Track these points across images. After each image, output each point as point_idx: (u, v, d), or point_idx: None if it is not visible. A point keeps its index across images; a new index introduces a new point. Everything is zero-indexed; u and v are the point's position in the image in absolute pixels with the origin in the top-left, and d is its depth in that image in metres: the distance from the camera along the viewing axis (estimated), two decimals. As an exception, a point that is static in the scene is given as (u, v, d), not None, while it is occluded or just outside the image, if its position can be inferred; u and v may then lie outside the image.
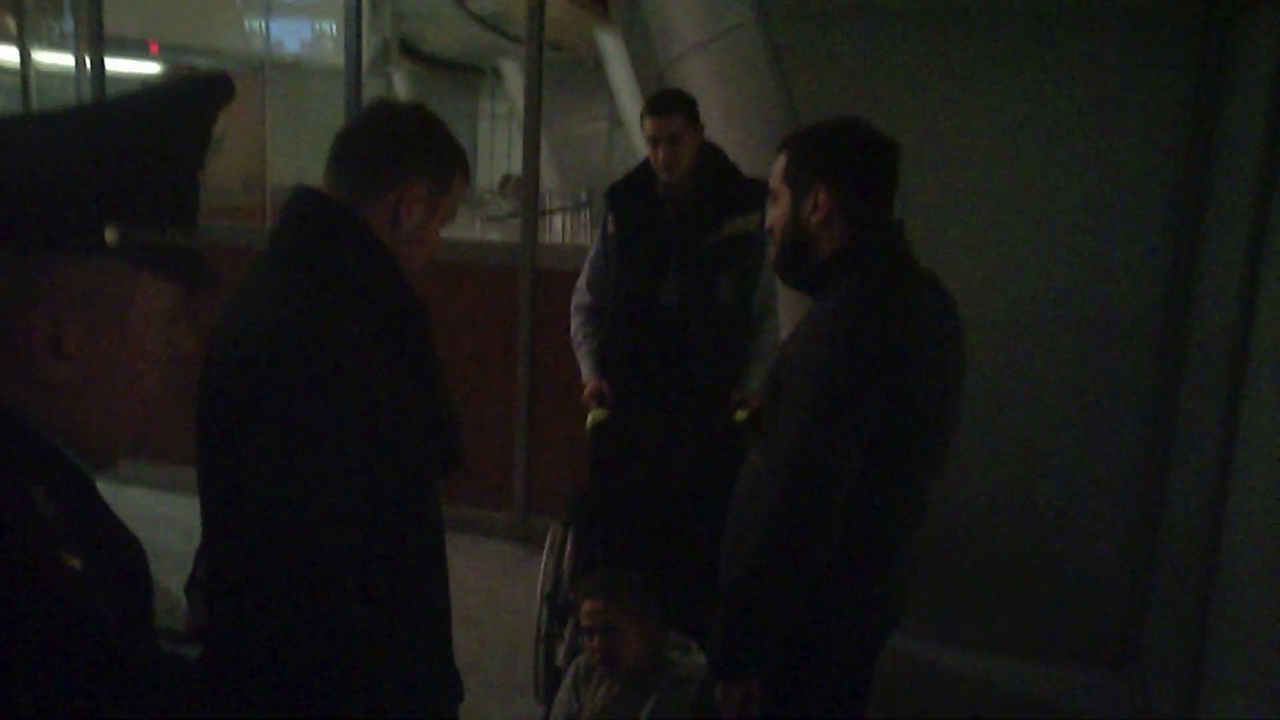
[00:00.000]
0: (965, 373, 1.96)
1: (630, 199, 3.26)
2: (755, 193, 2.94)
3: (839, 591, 1.85)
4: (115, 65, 5.64)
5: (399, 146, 1.58)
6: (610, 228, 3.30)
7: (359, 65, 4.90)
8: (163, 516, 4.18)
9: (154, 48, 9.05)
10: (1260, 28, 2.86)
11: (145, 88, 1.05)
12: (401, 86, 21.06)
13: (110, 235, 0.94)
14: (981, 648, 3.64)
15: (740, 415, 2.97)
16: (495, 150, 20.33)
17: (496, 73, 19.93)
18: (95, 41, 5.13)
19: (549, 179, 19.10)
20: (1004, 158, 3.44)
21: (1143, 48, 3.30)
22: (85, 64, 5.28)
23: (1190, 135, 3.26)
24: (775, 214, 1.94)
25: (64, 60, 6.19)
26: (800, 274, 1.93)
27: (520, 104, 4.67)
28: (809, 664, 1.91)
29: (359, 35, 4.87)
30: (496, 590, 4.22)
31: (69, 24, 5.47)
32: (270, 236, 1.57)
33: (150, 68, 9.01)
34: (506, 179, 14.56)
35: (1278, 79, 2.63)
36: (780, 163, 1.92)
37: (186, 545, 1.79)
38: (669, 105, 3.09)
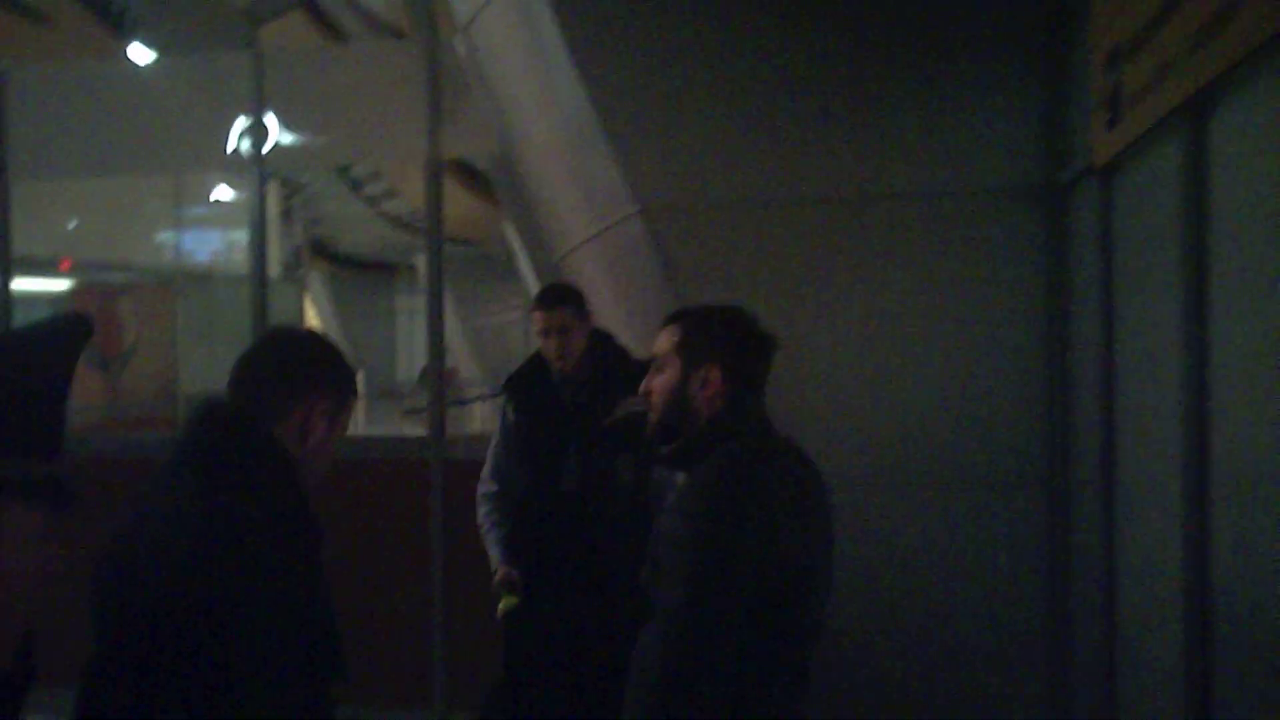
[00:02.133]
0: (833, 539, 2.07)
1: (527, 388, 3.38)
2: (646, 374, 3.08)
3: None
4: (25, 285, 5.71)
5: (303, 368, 1.71)
6: (510, 417, 3.41)
7: (264, 276, 5.04)
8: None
9: (65, 265, 9.17)
10: (1087, 195, 3.17)
11: (7, 332, 1.17)
12: (317, 287, 21.40)
13: None
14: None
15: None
16: (415, 344, 20.59)
17: (412, 269, 20.37)
18: (2, 262, 5.21)
19: (468, 368, 19.34)
20: (875, 332, 3.65)
21: (1001, 218, 3.58)
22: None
23: (1045, 290, 3.52)
24: (660, 381, 2.05)
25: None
26: (674, 445, 2.05)
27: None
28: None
29: (263, 246, 5.03)
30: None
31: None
32: (179, 446, 1.63)
33: (61, 284, 9.11)
34: (425, 371, 14.64)
35: (1104, 232, 2.93)
36: (672, 335, 2.05)
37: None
38: (557, 299, 3.26)
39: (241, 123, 5.03)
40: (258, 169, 5.00)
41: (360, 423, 17.34)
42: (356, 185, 14.15)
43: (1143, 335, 2.72)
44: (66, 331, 1.19)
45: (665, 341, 2.06)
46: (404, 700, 4.65)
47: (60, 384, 1.15)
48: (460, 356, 18.62)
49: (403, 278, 21.30)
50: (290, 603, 1.51)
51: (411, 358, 21.01)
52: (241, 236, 10.87)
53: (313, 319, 21.15)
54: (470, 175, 11.81)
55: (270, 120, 5.00)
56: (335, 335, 21.70)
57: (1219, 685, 2.18)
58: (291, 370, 1.70)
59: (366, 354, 22.04)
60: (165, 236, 10.05)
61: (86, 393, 4.91)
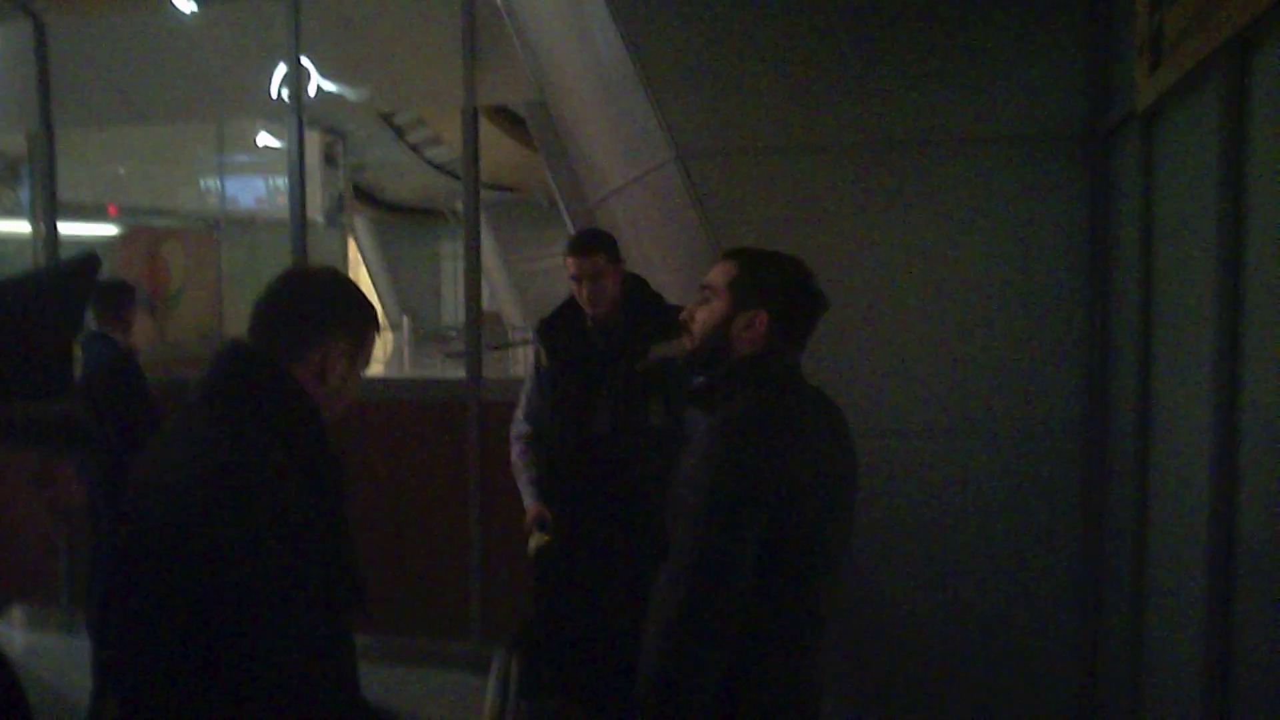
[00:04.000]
0: (855, 485, 2.09)
1: (560, 333, 3.41)
2: (679, 320, 3.10)
3: (748, 698, 1.92)
4: (73, 229, 5.84)
5: (320, 307, 1.74)
6: (542, 361, 3.45)
7: (304, 218, 5.11)
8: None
9: (112, 210, 9.33)
10: (1129, 141, 3.12)
11: (17, 275, 1.16)
12: (363, 233, 21.54)
13: None
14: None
15: None
16: (459, 289, 20.70)
17: (455, 214, 20.42)
18: (49, 208, 5.33)
19: (513, 314, 19.43)
20: (920, 277, 3.63)
21: (1041, 164, 3.53)
22: (41, 230, 5.47)
23: (1087, 239, 3.47)
24: (704, 312, 2.05)
25: (22, 227, 6.38)
26: (699, 382, 2.07)
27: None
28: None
29: (302, 191, 5.08)
30: (454, 722, 4.22)
31: (26, 194, 5.68)
32: (201, 386, 1.68)
33: (109, 229, 9.27)
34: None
35: (1145, 179, 2.89)
36: (728, 270, 2.05)
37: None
38: (589, 245, 3.27)
39: (282, 69, 5.07)
40: (296, 114, 5.04)
41: (405, 366, 17.55)
42: (399, 133, 14.16)
43: (1180, 283, 2.69)
44: (73, 271, 1.19)
45: (719, 275, 2.06)
46: (442, 632, 4.77)
47: (68, 322, 1.16)
48: (503, 302, 18.72)
49: (447, 224, 21.37)
50: (310, 537, 1.54)
51: (456, 303, 21.13)
52: (282, 182, 11.03)
53: (358, 265, 21.35)
54: (513, 121, 11.80)
55: (309, 66, 5.03)
56: (381, 280, 21.90)
57: (1242, 629, 2.19)
58: (308, 311, 1.73)
59: (412, 299, 22.23)
60: (209, 182, 10.17)
61: (143, 333, 5.03)
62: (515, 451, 3.51)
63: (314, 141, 11.31)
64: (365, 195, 19.29)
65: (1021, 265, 3.55)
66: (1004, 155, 3.54)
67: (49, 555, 1.13)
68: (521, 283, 18.63)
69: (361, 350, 1.77)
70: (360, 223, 20.92)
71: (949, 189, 3.60)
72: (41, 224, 5.48)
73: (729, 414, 1.94)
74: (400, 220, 21.42)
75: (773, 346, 2.01)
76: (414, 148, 14.75)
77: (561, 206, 5.97)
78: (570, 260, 3.28)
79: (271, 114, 5.72)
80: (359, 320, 1.77)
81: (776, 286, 2.02)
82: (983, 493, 3.62)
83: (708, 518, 1.83)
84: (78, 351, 1.19)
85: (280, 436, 1.60)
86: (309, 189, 5.30)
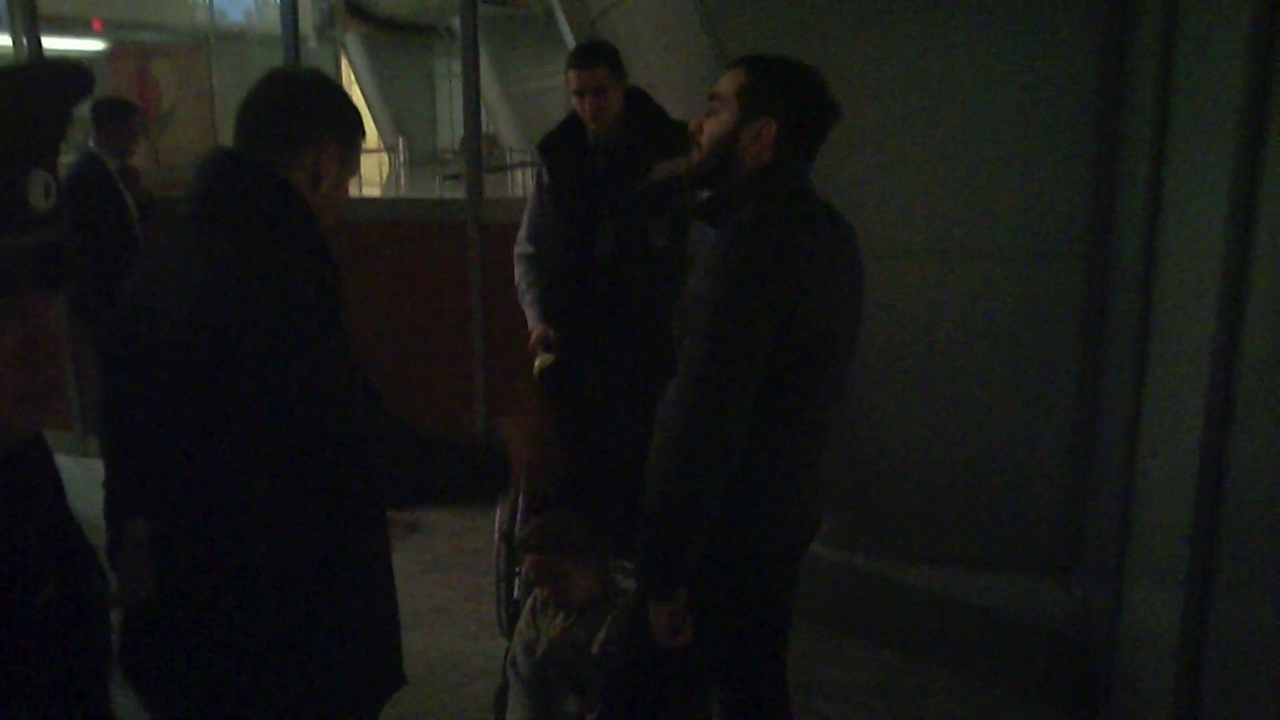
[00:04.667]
0: (862, 300, 2.08)
1: (561, 150, 3.35)
2: (684, 136, 3.03)
3: (749, 506, 1.97)
4: (57, 45, 5.64)
5: (310, 109, 1.65)
6: (545, 179, 3.39)
7: (296, 32, 4.94)
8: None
9: (96, 25, 9.01)
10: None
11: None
12: (354, 49, 20.90)
13: None
14: (934, 562, 3.81)
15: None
16: (455, 110, 20.21)
17: (450, 32, 19.77)
18: (30, 20, 5.14)
19: (510, 135, 19.06)
20: (929, 110, 3.52)
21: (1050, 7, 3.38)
22: (22, 44, 5.29)
23: (1098, 80, 3.36)
24: (711, 124, 1.99)
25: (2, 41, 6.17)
26: (707, 197, 2.04)
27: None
28: (729, 576, 2.04)
29: (294, 4, 4.90)
30: (460, 536, 4.36)
31: (1, 4, 5.46)
32: (191, 199, 1.60)
33: (94, 45, 8.98)
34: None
35: (1170, 21, 2.77)
36: (736, 78, 1.97)
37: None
38: (591, 57, 3.17)
39: None
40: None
41: (402, 189, 17.33)
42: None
43: (1199, 104, 2.61)
44: (57, 81, 0.98)
45: (727, 84, 1.98)
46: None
47: (52, 133, 0.97)
48: (501, 123, 18.34)
49: (442, 40, 20.69)
50: (310, 340, 1.52)
51: (453, 124, 20.68)
52: (274, -6, 10.64)
53: (351, 85, 20.78)
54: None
55: None
56: (375, 100, 21.36)
57: (1234, 474, 2.21)
58: (298, 113, 1.64)
59: (407, 121, 21.73)
60: (197, -3, 9.81)
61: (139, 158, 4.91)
62: (519, 272, 3.50)
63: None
64: (357, 10, 18.64)
65: (1033, 80, 3.44)
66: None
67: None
68: (519, 104, 18.20)
69: (351, 153, 1.70)
70: (352, 39, 20.27)
71: (964, 6, 3.45)
72: (23, 39, 5.29)
73: (736, 226, 1.92)
74: (393, 37, 20.77)
75: (781, 157, 1.96)
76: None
77: (561, 20, 5.76)
78: (572, 74, 3.19)
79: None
80: (350, 125, 1.69)
81: (787, 94, 1.96)
82: (986, 320, 3.61)
83: (714, 330, 1.83)
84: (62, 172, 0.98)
85: (281, 242, 1.56)
86: (300, 2, 5.10)
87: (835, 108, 1.99)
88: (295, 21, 4.94)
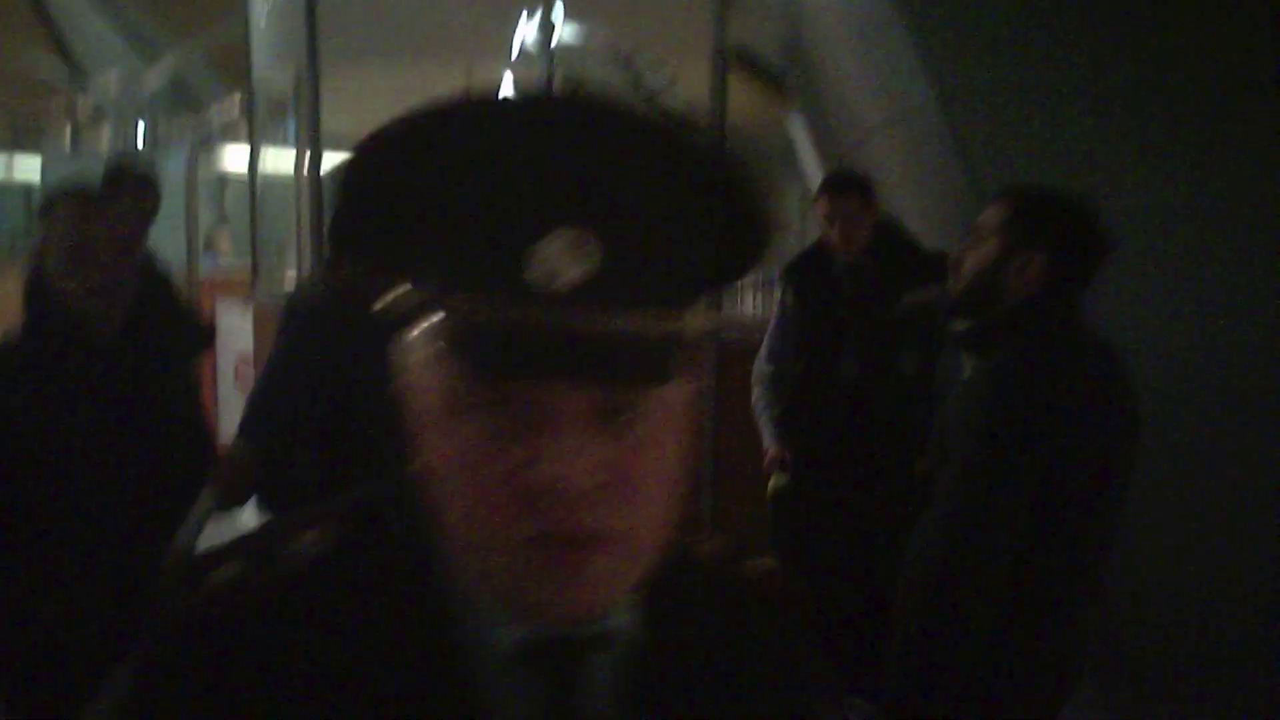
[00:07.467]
0: (1137, 443, 1.95)
1: (807, 275, 3.36)
2: (936, 265, 2.99)
3: (1008, 652, 1.85)
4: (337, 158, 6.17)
5: None
6: (788, 302, 3.41)
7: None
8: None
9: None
10: None
11: None
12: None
13: None
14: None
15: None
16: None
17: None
18: (313, 138, 5.62)
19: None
20: (1192, 228, 3.35)
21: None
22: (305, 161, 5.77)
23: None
24: (976, 254, 1.95)
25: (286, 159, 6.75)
26: (971, 325, 1.98)
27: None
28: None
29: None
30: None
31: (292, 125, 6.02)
32: None
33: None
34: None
35: None
36: (1000, 211, 1.95)
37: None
38: (843, 184, 3.20)
39: (528, 16, 5.14)
40: (545, 62, 5.11)
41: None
42: (637, 76, 14.23)
43: None
44: None
45: (991, 216, 1.96)
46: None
47: None
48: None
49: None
50: None
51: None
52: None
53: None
54: (748, 63, 11.62)
55: (558, 13, 5.08)
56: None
57: None
58: None
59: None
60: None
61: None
62: (756, 392, 3.50)
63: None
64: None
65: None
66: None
67: None
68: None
69: None
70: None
71: (1216, 136, 3.29)
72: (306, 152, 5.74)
73: (1002, 360, 1.86)
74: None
75: (1050, 290, 1.90)
76: (651, 94, 14.81)
77: (802, 152, 5.86)
78: (822, 199, 3.22)
79: (518, 60, 5.80)
80: None
81: (1055, 226, 1.90)
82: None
83: (976, 465, 1.76)
84: None
85: None
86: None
87: (1108, 240, 1.92)
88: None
